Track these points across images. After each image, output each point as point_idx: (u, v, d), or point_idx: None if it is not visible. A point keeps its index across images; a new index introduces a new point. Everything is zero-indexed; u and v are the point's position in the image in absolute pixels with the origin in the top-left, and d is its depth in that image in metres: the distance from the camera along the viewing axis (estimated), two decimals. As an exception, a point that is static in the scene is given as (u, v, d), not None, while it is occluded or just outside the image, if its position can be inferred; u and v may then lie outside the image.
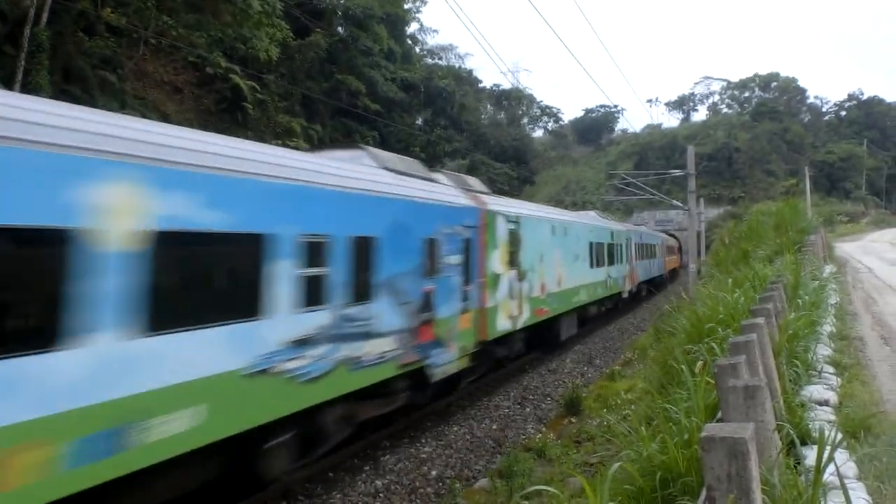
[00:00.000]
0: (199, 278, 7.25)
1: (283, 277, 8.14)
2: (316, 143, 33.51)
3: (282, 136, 30.23)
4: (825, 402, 6.39)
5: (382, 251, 10.43)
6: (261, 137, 28.71)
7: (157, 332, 6.43)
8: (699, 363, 6.12)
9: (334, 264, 9.17)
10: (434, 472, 10.81)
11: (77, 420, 5.71)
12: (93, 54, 23.24)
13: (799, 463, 4.44)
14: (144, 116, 23.57)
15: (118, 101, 22.89)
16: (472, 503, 9.38)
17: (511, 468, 10.02)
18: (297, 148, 27.87)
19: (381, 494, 9.88)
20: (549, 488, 6.67)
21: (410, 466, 11.02)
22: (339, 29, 41.45)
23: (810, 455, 4.45)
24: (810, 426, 5.36)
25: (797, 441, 4.69)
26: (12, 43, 19.77)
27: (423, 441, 12.31)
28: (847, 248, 33.44)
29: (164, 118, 25.22)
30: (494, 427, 13.33)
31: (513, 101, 69.56)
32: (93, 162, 5.97)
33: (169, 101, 27.46)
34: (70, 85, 21.48)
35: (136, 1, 23.90)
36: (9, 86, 18.16)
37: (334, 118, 38.95)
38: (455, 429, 13.12)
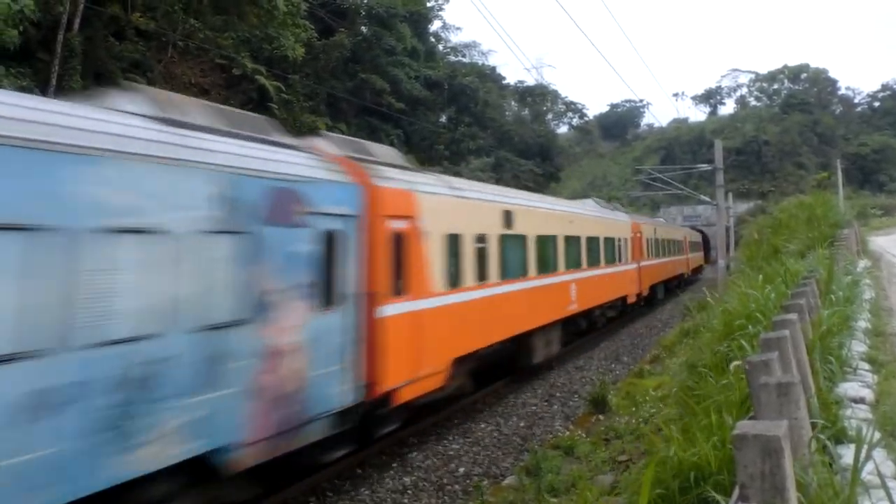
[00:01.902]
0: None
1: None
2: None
3: (307, 136, 30.37)
4: (861, 400, 6.27)
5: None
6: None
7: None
8: (734, 364, 6.05)
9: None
10: (462, 469, 10.82)
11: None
12: (123, 58, 23.54)
13: (834, 462, 4.36)
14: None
15: (147, 104, 23.17)
16: (499, 500, 9.35)
17: (539, 465, 9.99)
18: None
19: (409, 491, 9.91)
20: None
21: (438, 463, 11.05)
22: (363, 28, 41.57)
23: (846, 454, 4.37)
24: (846, 424, 5.26)
25: (832, 439, 4.61)
26: (46, 49, 20.09)
27: (451, 438, 12.33)
28: (881, 242, 32.82)
29: (192, 119, 25.48)
30: (522, 424, 13.30)
31: (537, 97, 69.04)
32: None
33: (196, 103, 27.69)
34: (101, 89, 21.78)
35: (164, 5, 24.18)
36: (43, 91, 18.45)
37: (359, 117, 39.08)
38: (482, 426, 13.13)
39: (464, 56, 63.15)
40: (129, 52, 23.93)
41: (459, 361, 12.32)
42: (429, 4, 51.61)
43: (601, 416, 13.27)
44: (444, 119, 49.33)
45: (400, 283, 10.36)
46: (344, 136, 12.88)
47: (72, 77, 19.76)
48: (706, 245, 57.47)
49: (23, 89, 15.83)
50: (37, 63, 20.10)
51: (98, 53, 22.11)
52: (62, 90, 19.29)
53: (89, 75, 21.34)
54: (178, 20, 24.65)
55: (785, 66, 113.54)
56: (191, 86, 27.99)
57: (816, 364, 6.25)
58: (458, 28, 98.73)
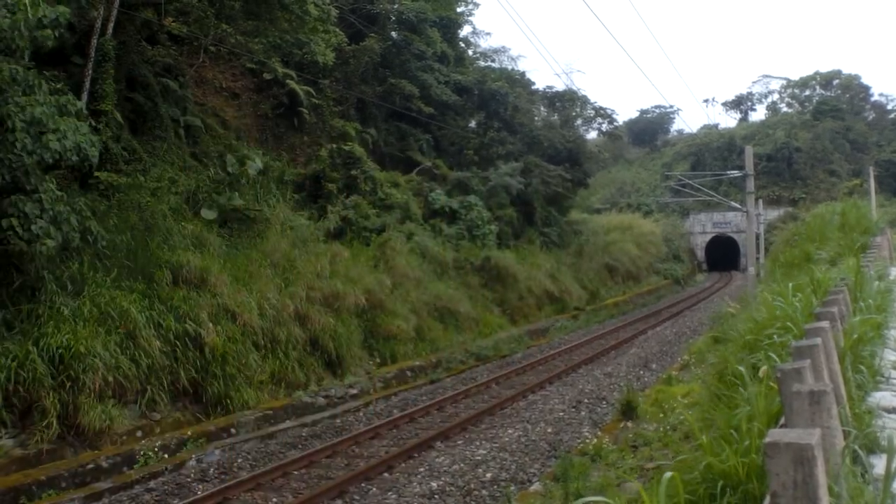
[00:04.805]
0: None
1: None
2: (370, 147, 33.88)
3: (336, 140, 30.60)
4: (894, 410, 6.19)
5: None
6: (316, 141, 29.14)
7: None
8: (762, 369, 6.00)
9: None
10: (489, 475, 10.82)
11: None
12: (155, 62, 23.92)
13: (866, 472, 4.31)
14: (204, 122, 24.33)
15: (180, 108, 23.56)
16: (526, 506, 9.35)
17: (566, 472, 9.96)
18: (351, 151, 28.37)
19: (435, 496, 9.94)
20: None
21: (465, 468, 11.06)
22: (393, 33, 41.78)
23: (878, 464, 4.33)
24: (879, 434, 5.20)
25: (864, 449, 4.56)
26: (80, 53, 20.51)
27: (478, 443, 12.35)
28: (915, 250, 32.18)
29: (223, 123, 25.87)
30: (549, 430, 13.28)
31: (566, 102, 68.70)
32: None
33: (227, 107, 28.07)
34: (133, 92, 22.15)
35: (196, 10, 24.53)
36: (77, 94, 18.83)
37: (388, 121, 39.25)
38: (510, 431, 13.12)
39: (493, 61, 63.27)
40: (161, 57, 24.33)
41: None
42: (459, 9, 51.81)
43: (629, 423, 13.19)
44: (473, 124, 49.37)
45: None
46: None
47: (104, 81, 20.15)
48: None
49: (57, 92, 16.16)
50: (71, 67, 20.52)
51: (131, 57, 22.47)
52: (95, 94, 19.69)
53: (122, 79, 21.75)
54: (210, 25, 24.98)
55: (817, 73, 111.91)
56: (221, 90, 28.40)
57: (848, 373, 6.18)
58: (487, 33, 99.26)
